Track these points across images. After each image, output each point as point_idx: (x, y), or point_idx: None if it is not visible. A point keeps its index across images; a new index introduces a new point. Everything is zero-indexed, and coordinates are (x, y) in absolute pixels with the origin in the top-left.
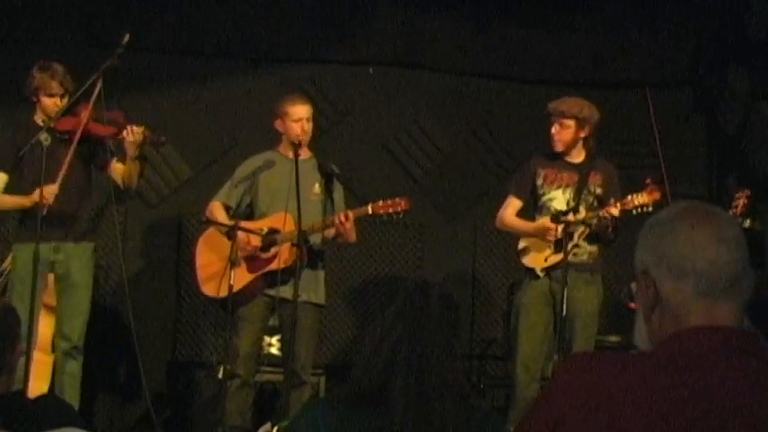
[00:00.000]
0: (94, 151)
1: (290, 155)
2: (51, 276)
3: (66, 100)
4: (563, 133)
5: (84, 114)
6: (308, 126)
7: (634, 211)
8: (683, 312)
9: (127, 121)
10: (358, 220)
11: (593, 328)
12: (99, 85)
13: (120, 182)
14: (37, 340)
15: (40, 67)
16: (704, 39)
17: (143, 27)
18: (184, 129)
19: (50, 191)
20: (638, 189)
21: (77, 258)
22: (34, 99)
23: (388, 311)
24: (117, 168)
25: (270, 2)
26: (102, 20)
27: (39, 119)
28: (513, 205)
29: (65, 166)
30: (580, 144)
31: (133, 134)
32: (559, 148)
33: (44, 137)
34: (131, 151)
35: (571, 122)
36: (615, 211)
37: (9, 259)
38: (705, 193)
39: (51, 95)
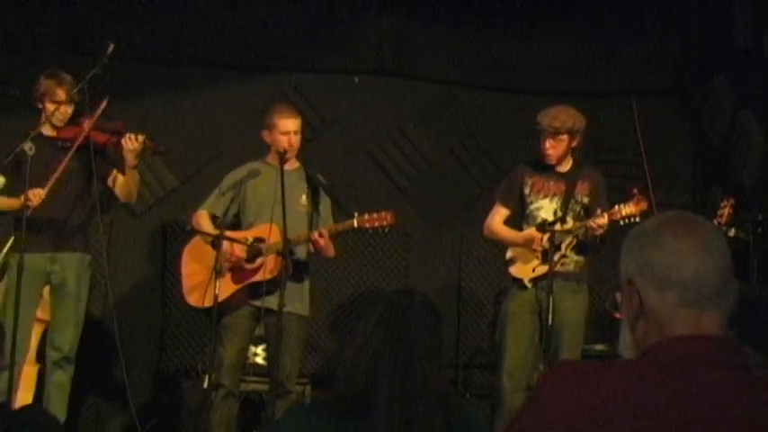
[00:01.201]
0: (95, 161)
1: (278, 165)
2: (47, 289)
3: (71, 109)
4: (557, 148)
5: (88, 123)
6: (296, 139)
7: (621, 222)
8: (667, 322)
9: (126, 130)
10: (343, 232)
11: (580, 337)
12: (104, 103)
13: (120, 195)
14: (27, 352)
15: (48, 75)
16: (689, 48)
17: (128, 36)
18: (170, 138)
19: (37, 194)
20: (623, 197)
21: (73, 269)
22: (39, 106)
23: (369, 317)
24: (118, 181)
25: (255, 10)
26: (87, 29)
27: (42, 127)
28: (500, 213)
29: (57, 173)
30: (569, 153)
31: (133, 142)
32: (552, 161)
33: (28, 146)
34: (130, 160)
35: (565, 137)
36: (603, 222)
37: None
38: (690, 202)
39: (56, 102)
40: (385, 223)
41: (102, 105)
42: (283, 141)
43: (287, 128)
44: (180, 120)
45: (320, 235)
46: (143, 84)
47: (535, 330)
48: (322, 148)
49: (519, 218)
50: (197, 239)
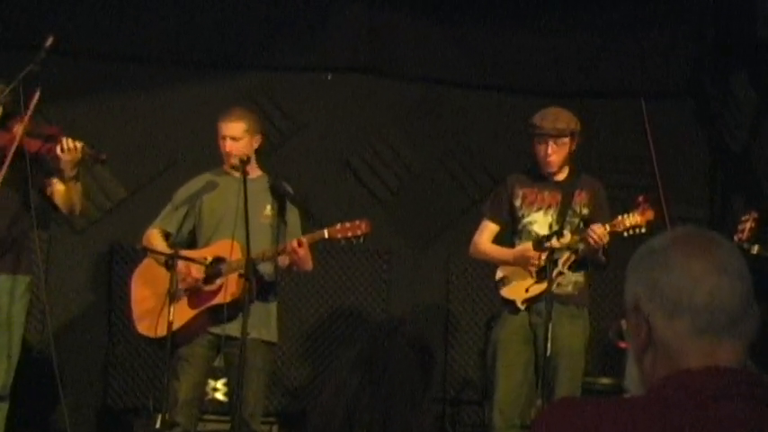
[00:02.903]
0: (31, 172)
1: (237, 174)
2: None
3: None
4: (560, 153)
5: (18, 128)
6: (234, 146)
7: (625, 233)
8: (678, 352)
9: (63, 135)
10: (314, 246)
11: (579, 369)
12: (36, 96)
13: (62, 206)
14: None
15: None
16: (706, 43)
17: (71, 28)
18: (118, 143)
19: None
20: (629, 210)
21: (8, 293)
22: None
23: (346, 357)
24: (58, 191)
25: (216, 1)
26: (23, 20)
27: None
28: (488, 230)
29: None
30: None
31: (70, 150)
32: (554, 168)
33: None
34: (68, 170)
35: (567, 140)
36: (603, 233)
37: None
38: (707, 216)
39: None
40: (359, 233)
41: (34, 100)
42: (222, 146)
43: (222, 132)
44: (130, 124)
45: (299, 244)
46: (87, 82)
47: (529, 361)
48: (291, 154)
49: (510, 234)
50: (148, 260)
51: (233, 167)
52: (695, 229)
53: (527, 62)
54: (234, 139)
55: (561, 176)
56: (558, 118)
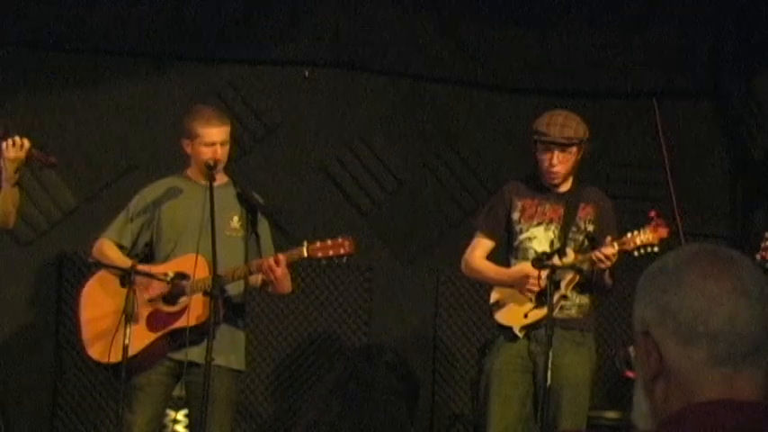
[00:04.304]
0: None
1: (202, 180)
2: None
3: None
4: (566, 164)
5: None
6: (223, 151)
7: (636, 252)
8: (693, 383)
9: (7, 134)
10: (291, 264)
11: (584, 401)
12: None
13: None
14: None
15: None
16: (727, 39)
17: (13, 16)
18: (68, 145)
19: None
20: (640, 225)
21: None
22: None
23: (323, 384)
24: None
25: None
26: None
27: None
28: (482, 246)
29: None
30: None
31: (15, 150)
32: (558, 180)
33: None
34: (10, 173)
35: (575, 149)
36: (612, 253)
37: None
38: (727, 232)
39: None
40: (342, 252)
41: None
42: (207, 154)
43: (211, 138)
44: (82, 123)
45: (276, 262)
46: (33, 76)
47: (527, 393)
48: (263, 159)
49: (505, 251)
50: (99, 275)
51: (213, 168)
52: (712, 247)
53: (525, 58)
54: (223, 144)
55: (564, 188)
56: (566, 125)
